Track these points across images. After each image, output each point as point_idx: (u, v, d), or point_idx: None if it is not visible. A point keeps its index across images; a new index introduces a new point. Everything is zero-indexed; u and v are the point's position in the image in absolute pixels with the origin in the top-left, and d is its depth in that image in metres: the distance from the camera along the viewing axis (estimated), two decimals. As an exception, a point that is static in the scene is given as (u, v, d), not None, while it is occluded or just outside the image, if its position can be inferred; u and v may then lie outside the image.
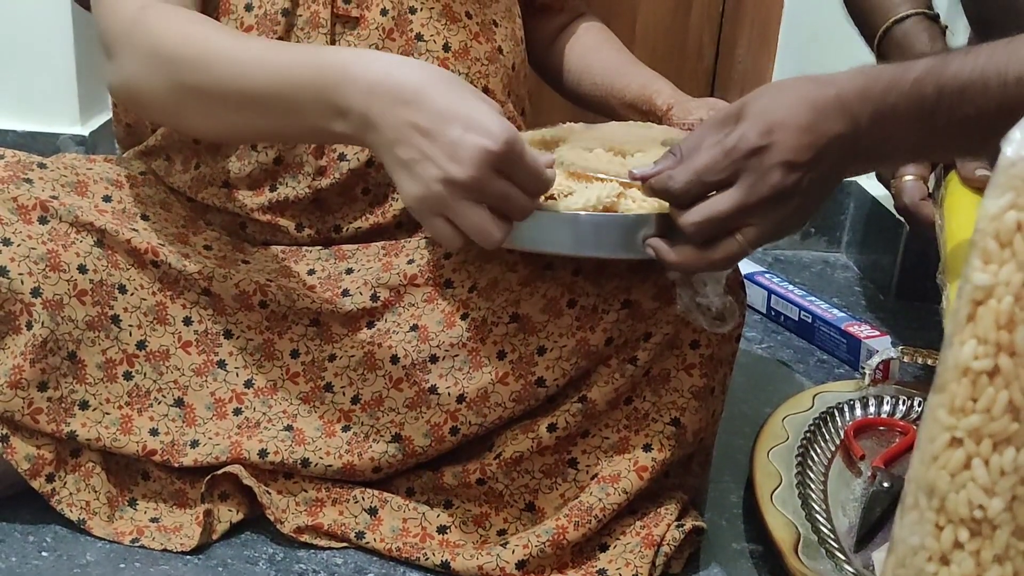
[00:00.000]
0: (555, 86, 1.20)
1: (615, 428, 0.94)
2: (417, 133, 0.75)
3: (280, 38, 0.98)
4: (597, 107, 1.15)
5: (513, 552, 0.90)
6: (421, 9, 1.01)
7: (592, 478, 0.93)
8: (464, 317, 0.95)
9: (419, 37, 1.01)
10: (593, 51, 1.16)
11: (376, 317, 0.97)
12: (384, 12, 0.99)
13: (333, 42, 0.99)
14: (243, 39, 0.88)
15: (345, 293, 0.98)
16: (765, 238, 0.78)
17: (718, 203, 0.77)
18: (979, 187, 1.04)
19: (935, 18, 1.08)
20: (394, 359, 0.95)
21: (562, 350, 0.92)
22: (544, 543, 0.90)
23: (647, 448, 0.93)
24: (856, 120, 0.76)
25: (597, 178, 0.89)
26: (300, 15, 0.98)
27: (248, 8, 0.98)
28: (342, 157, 0.99)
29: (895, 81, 0.76)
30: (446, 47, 1.02)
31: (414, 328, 0.96)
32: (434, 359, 0.94)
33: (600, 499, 0.91)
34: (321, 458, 0.94)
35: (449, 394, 0.94)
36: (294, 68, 0.81)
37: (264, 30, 0.97)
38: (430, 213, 0.78)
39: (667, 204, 0.84)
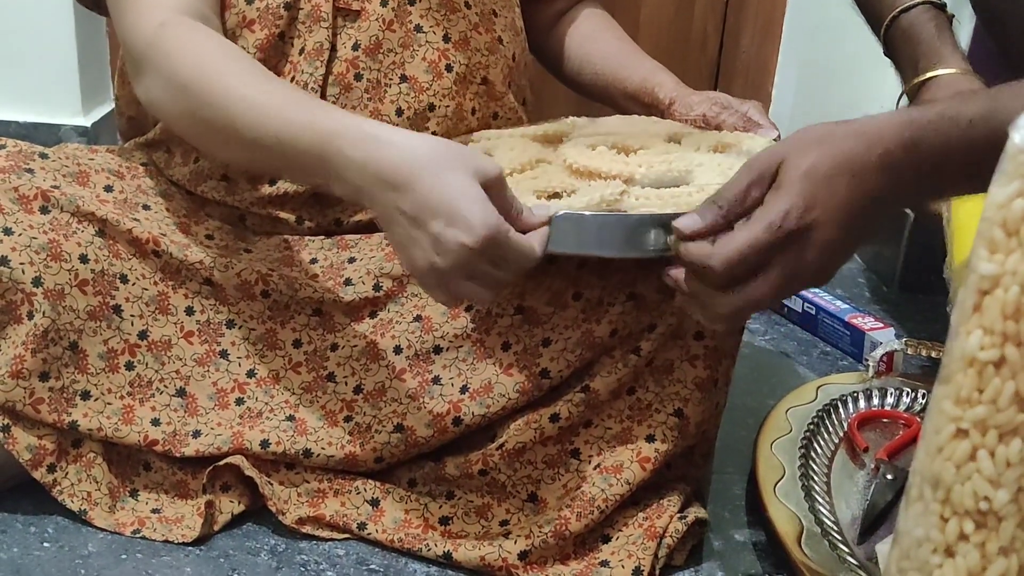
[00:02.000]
0: (555, 73, 1.19)
1: (618, 419, 0.94)
2: (404, 219, 0.77)
3: (282, 32, 0.97)
4: (598, 97, 1.15)
5: (515, 543, 0.90)
6: (420, 0, 1.00)
7: (595, 468, 0.93)
8: (469, 308, 0.94)
9: (418, 28, 1.00)
10: (594, 39, 1.15)
11: (379, 307, 0.97)
12: (384, 3, 0.99)
13: (335, 35, 0.98)
14: (255, 78, 0.87)
15: (348, 282, 0.98)
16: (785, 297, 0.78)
17: (754, 289, 0.76)
18: None
19: (942, 7, 1.07)
20: (397, 349, 0.95)
21: (567, 342, 0.92)
22: (546, 534, 0.89)
23: (650, 439, 0.92)
24: (900, 177, 0.74)
25: (600, 176, 0.89)
26: (302, 8, 0.98)
27: (249, 1, 0.97)
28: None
29: (945, 135, 0.74)
30: (446, 38, 1.01)
31: (417, 319, 0.95)
32: (438, 350, 0.94)
33: (603, 490, 0.90)
34: (323, 448, 0.94)
35: (452, 385, 0.93)
36: (296, 128, 0.81)
37: (266, 23, 0.97)
38: (427, 286, 0.80)
39: (669, 201, 0.84)
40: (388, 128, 0.81)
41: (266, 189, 1.00)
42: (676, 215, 0.78)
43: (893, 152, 0.74)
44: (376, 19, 0.99)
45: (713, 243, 0.76)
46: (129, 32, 0.91)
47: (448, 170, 0.76)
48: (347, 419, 0.95)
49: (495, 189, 0.77)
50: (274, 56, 0.98)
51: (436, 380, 0.94)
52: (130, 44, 0.91)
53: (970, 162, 0.72)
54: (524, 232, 0.79)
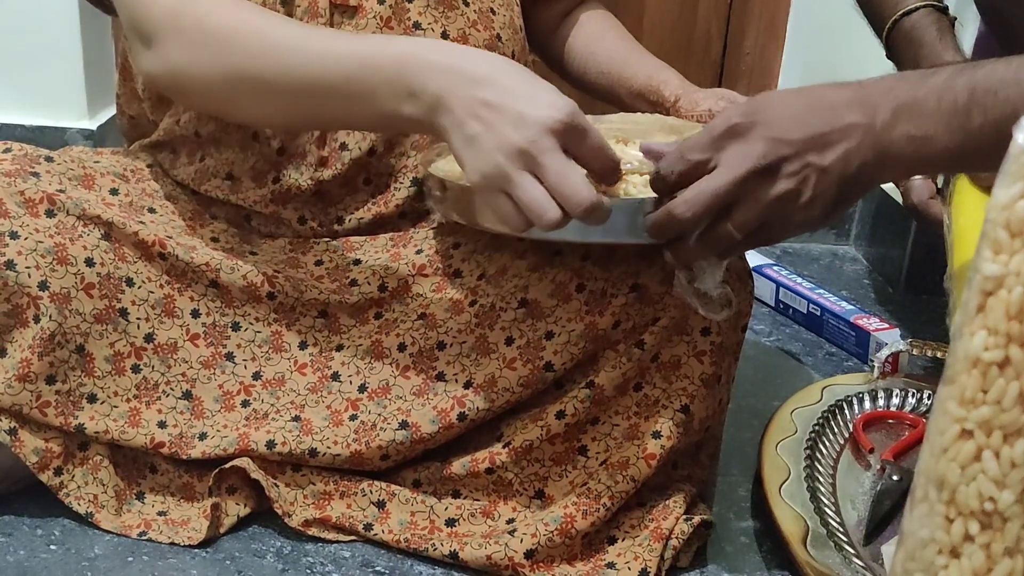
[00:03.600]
0: (560, 73, 1.19)
1: (625, 415, 0.94)
2: (486, 108, 0.77)
3: None
4: (603, 96, 1.15)
5: (521, 541, 0.90)
6: None
7: (601, 465, 0.93)
8: (472, 304, 0.95)
9: (417, 25, 1.00)
10: (598, 39, 1.15)
11: (384, 307, 0.97)
12: (382, 0, 0.99)
13: None
14: (302, 27, 0.90)
15: (353, 283, 0.98)
16: (758, 226, 0.76)
17: (704, 182, 0.75)
18: (987, 186, 1.04)
19: (944, 10, 1.07)
20: (401, 347, 0.95)
21: (570, 335, 0.92)
22: (552, 532, 0.89)
23: (656, 435, 0.92)
24: (874, 111, 0.73)
25: None
26: (299, 4, 0.98)
27: None
28: (344, 147, 0.99)
29: (922, 77, 0.73)
30: (444, 35, 1.02)
31: (422, 317, 0.96)
32: (441, 346, 0.95)
33: (608, 487, 0.91)
34: (329, 447, 0.94)
35: (456, 380, 0.94)
36: (367, 54, 0.82)
37: None
38: (493, 189, 0.78)
39: None
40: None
41: (269, 186, 1.00)
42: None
43: (867, 89, 0.74)
44: (374, 16, 0.99)
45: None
46: (144, 6, 0.88)
47: (526, 70, 0.81)
48: (352, 418, 0.95)
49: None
50: None
51: (440, 376, 0.94)
52: (146, 12, 0.88)
53: (949, 111, 0.72)
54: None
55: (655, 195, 0.81)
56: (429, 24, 1.01)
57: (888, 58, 1.10)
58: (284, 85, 0.85)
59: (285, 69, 0.84)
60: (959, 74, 0.72)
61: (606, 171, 0.80)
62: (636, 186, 0.86)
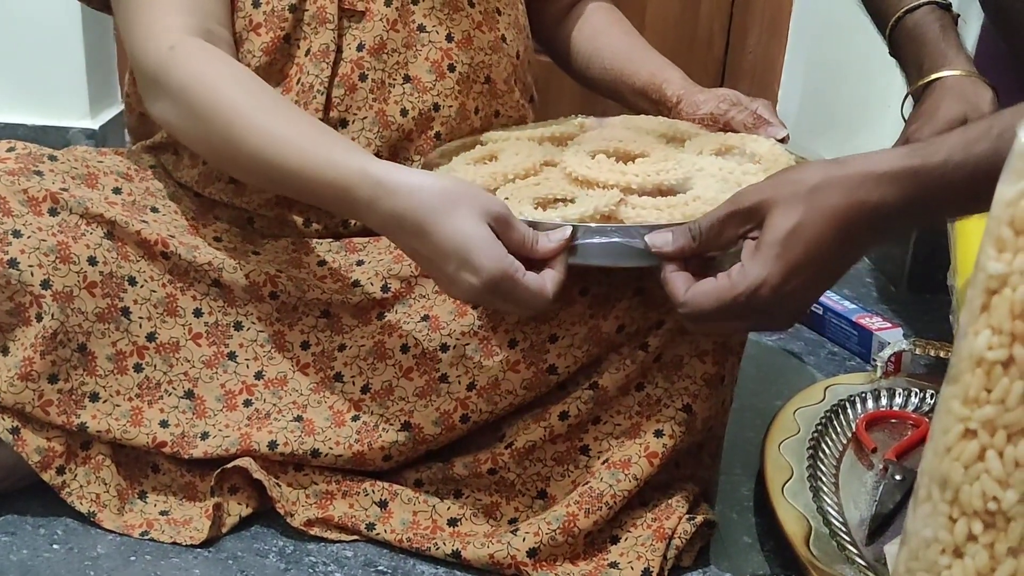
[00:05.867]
0: (564, 68, 1.19)
1: (627, 415, 0.94)
2: (424, 260, 0.84)
3: (288, 34, 0.98)
4: (606, 92, 1.15)
5: (524, 540, 0.90)
6: None
7: (603, 464, 0.93)
8: (476, 306, 0.94)
9: (421, 28, 1.00)
10: (602, 34, 1.15)
11: (386, 308, 0.97)
12: (388, 3, 0.99)
13: (340, 36, 0.98)
14: (270, 110, 0.89)
15: (356, 284, 0.98)
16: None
17: (720, 327, 0.82)
18: None
19: (947, 7, 1.07)
20: (404, 348, 0.95)
21: (574, 338, 0.92)
22: (555, 530, 0.89)
23: (658, 434, 0.92)
24: (891, 227, 0.75)
25: (598, 185, 0.90)
26: (307, 10, 0.98)
27: (256, 5, 0.98)
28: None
29: (950, 181, 0.72)
30: (449, 37, 1.01)
31: (425, 318, 0.96)
32: (445, 348, 0.94)
33: (611, 485, 0.90)
34: (331, 448, 0.94)
35: (459, 382, 0.94)
36: (316, 167, 0.85)
37: (271, 26, 0.97)
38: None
39: (665, 210, 0.87)
40: (396, 172, 0.84)
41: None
42: (670, 225, 0.82)
43: (889, 203, 0.73)
44: (380, 19, 0.99)
45: (690, 279, 0.80)
46: (138, 52, 0.92)
47: (457, 215, 0.81)
48: (355, 418, 0.95)
49: (503, 225, 0.82)
50: (280, 58, 0.98)
51: (443, 378, 0.94)
52: (140, 64, 0.93)
53: (970, 200, 0.71)
54: (544, 257, 0.83)
55: (648, 222, 0.84)
56: (434, 26, 1.01)
57: (891, 55, 1.10)
58: (251, 165, 0.89)
59: (251, 154, 0.87)
60: (985, 164, 0.71)
61: (540, 310, 0.85)
62: (635, 208, 0.86)
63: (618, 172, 0.91)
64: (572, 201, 0.89)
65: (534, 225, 0.84)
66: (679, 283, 0.80)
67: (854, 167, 0.74)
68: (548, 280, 0.83)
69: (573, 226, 0.84)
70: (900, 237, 0.78)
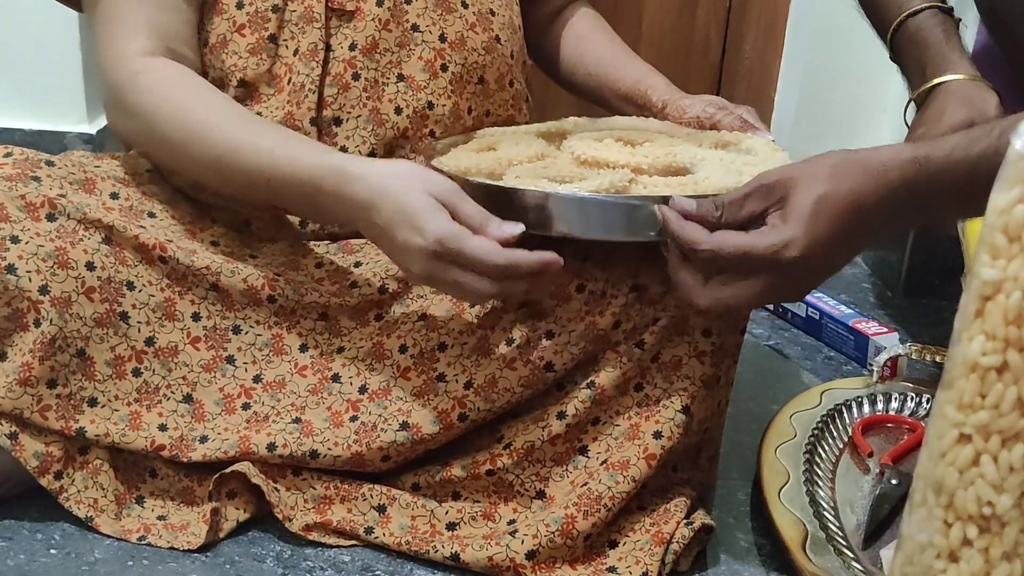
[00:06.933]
0: (549, 72, 1.21)
1: (626, 415, 0.94)
2: (381, 232, 0.87)
3: (272, 34, 0.99)
4: (591, 97, 1.16)
5: (522, 542, 0.90)
6: None
7: (601, 465, 0.93)
8: (432, 283, 0.94)
9: (415, 28, 1.01)
10: (587, 40, 1.17)
11: (384, 309, 0.98)
12: (380, 3, 1.00)
13: (328, 35, 0.99)
14: (236, 118, 0.94)
15: (353, 286, 0.98)
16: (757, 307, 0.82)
17: (733, 291, 0.80)
18: None
19: (949, 11, 1.06)
20: (402, 348, 0.96)
21: (571, 335, 0.93)
22: (553, 532, 0.90)
23: (657, 435, 0.92)
24: (899, 213, 0.77)
25: (608, 166, 0.90)
26: (294, 10, 0.99)
27: (239, 6, 0.99)
28: (344, 151, 1.00)
29: (952, 176, 0.76)
30: (442, 37, 1.02)
31: (423, 318, 0.96)
32: (442, 347, 0.95)
33: (609, 487, 0.91)
34: (329, 449, 0.94)
35: (457, 381, 0.94)
36: (282, 165, 0.90)
37: (255, 26, 0.98)
38: (421, 284, 0.93)
39: (676, 190, 0.85)
40: (359, 160, 0.91)
41: None
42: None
43: (898, 192, 0.76)
44: (372, 19, 1.00)
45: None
46: (106, 69, 0.98)
47: (411, 189, 0.85)
48: (353, 419, 0.95)
49: (453, 203, 0.84)
50: (268, 59, 0.99)
51: (441, 377, 0.94)
52: (104, 78, 0.98)
53: (970, 198, 0.73)
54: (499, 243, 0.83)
55: (660, 195, 0.83)
56: (427, 26, 1.01)
57: (892, 60, 1.10)
58: (217, 177, 0.94)
59: (218, 166, 0.92)
60: (984, 163, 0.74)
61: (493, 273, 0.83)
62: (647, 187, 0.86)
63: (627, 153, 0.92)
64: (583, 181, 0.89)
65: (548, 197, 0.84)
66: (698, 230, 0.80)
67: (867, 155, 0.79)
68: (498, 229, 0.83)
69: (573, 194, 0.84)
70: (903, 230, 0.80)
